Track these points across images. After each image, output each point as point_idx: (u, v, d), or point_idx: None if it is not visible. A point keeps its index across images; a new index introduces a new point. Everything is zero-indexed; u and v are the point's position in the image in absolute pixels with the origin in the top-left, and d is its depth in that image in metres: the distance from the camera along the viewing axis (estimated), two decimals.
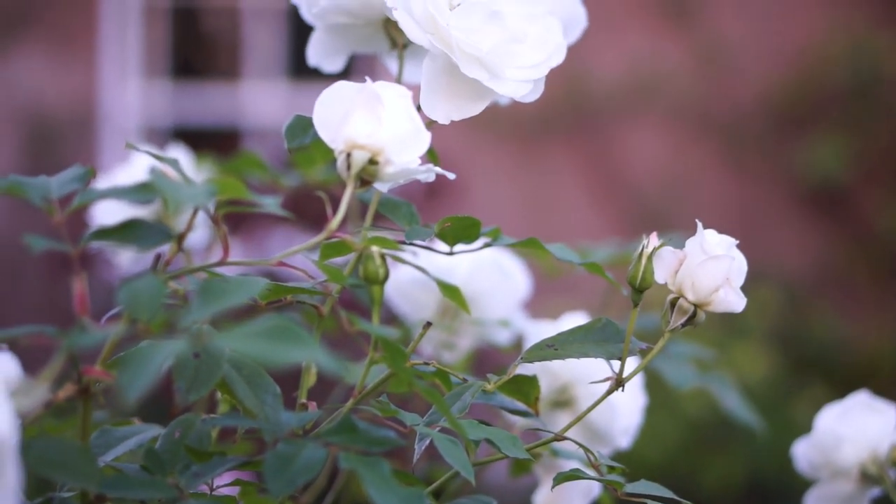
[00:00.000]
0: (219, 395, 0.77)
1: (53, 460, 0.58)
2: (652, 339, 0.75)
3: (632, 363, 0.73)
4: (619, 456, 0.91)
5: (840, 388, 1.47)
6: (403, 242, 0.74)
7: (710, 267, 0.71)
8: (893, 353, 4.00)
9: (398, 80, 0.80)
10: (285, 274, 0.71)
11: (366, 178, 0.68)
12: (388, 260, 0.69)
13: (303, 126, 0.76)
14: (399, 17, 0.72)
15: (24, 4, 4.55)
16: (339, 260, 0.72)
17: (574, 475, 0.73)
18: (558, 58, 0.74)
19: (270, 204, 0.69)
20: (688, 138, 4.42)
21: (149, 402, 0.70)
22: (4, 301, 4.42)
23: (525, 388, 0.76)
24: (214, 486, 0.71)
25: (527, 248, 0.80)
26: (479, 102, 0.74)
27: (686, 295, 0.72)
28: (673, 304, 0.72)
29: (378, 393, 0.74)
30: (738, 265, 0.72)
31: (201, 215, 0.69)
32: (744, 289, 0.72)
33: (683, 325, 0.72)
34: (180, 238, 0.66)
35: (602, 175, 4.45)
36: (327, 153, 0.70)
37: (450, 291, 0.70)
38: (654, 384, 1.03)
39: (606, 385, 0.74)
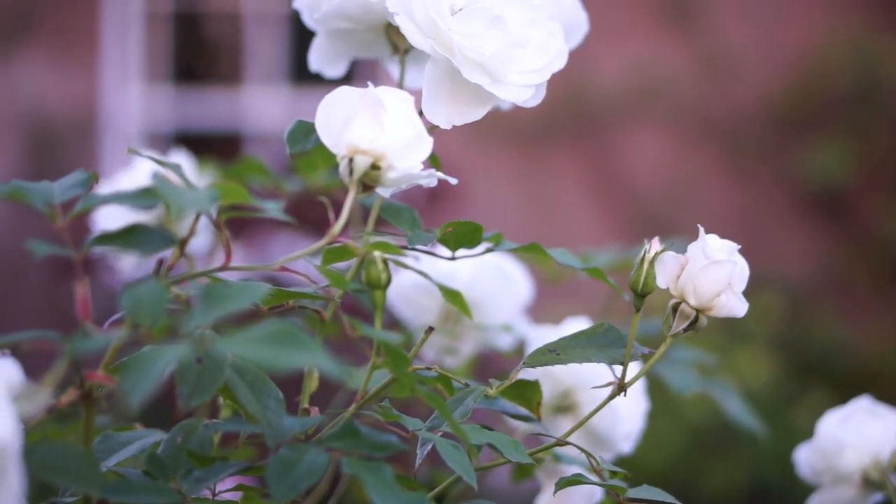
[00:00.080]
0: (221, 400, 0.77)
1: (56, 465, 0.58)
2: (654, 344, 0.75)
3: (634, 368, 0.73)
4: (621, 461, 0.91)
5: (842, 394, 1.47)
6: (405, 247, 0.74)
7: (711, 272, 0.71)
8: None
9: (400, 86, 0.80)
10: (287, 279, 0.71)
11: (368, 184, 0.68)
12: (391, 265, 0.69)
13: (305, 131, 0.76)
14: (401, 22, 0.72)
15: (27, 10, 4.56)
16: (341, 265, 0.72)
17: (576, 480, 0.73)
18: (560, 63, 0.74)
19: (273, 209, 0.69)
20: (689, 143, 4.42)
21: (151, 407, 0.70)
22: (7, 306, 4.43)
23: (527, 392, 0.76)
24: (217, 491, 0.71)
25: (529, 252, 0.80)
26: (480, 107, 0.74)
27: (688, 300, 0.72)
28: (675, 309, 0.72)
29: (380, 398, 0.74)
30: (739, 270, 0.72)
31: (203, 220, 0.69)
32: (745, 294, 0.72)
33: (685, 330, 0.72)
34: (182, 243, 0.66)
35: (604, 180, 4.45)
36: (329, 158, 0.70)
37: (452, 296, 0.70)
38: (656, 389, 1.03)
39: (608, 390, 0.74)
